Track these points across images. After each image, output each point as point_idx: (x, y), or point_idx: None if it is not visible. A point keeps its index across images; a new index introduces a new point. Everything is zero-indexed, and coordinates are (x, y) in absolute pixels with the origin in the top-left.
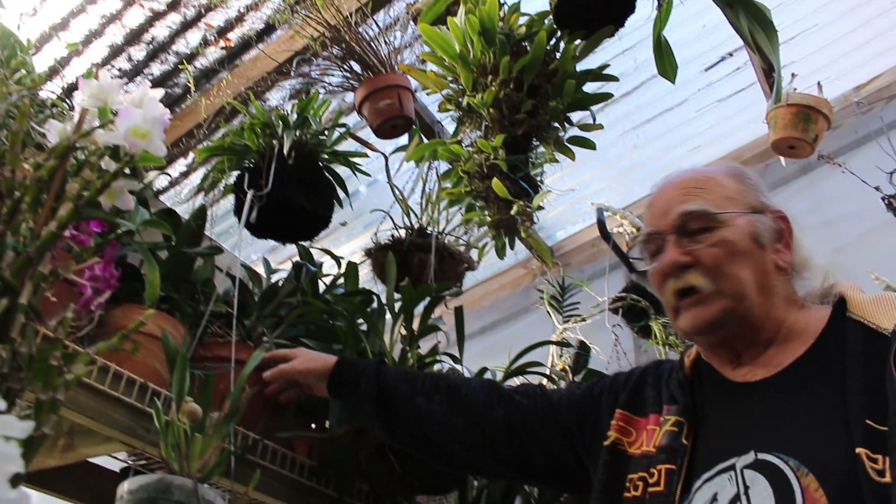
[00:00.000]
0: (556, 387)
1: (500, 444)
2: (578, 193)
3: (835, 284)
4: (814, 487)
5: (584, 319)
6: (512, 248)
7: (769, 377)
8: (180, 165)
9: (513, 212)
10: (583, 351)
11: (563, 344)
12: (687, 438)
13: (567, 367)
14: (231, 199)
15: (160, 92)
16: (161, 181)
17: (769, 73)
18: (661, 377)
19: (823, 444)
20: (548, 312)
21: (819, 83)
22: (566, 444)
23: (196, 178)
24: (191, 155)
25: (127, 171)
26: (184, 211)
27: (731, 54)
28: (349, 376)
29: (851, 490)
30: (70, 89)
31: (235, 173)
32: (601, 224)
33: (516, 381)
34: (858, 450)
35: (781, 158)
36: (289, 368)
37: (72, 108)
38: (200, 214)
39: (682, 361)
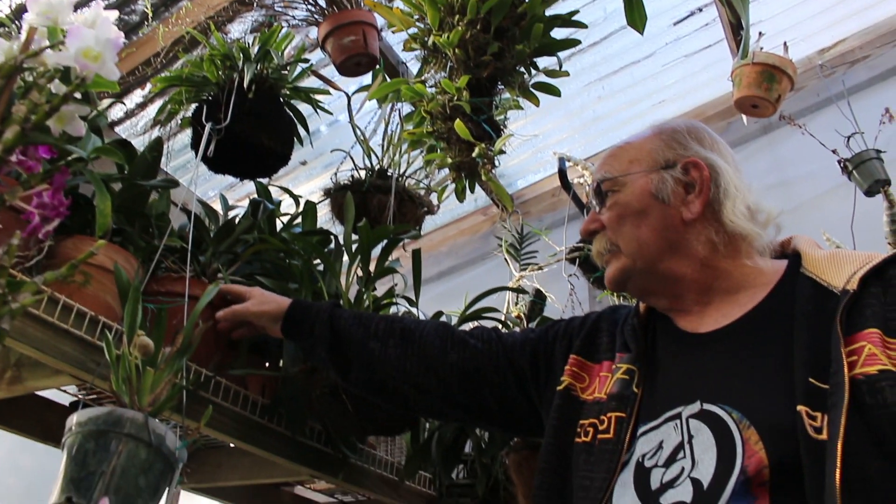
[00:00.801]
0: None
1: (454, 388)
2: (541, 142)
3: (793, 238)
4: (754, 440)
5: (540, 268)
6: (472, 191)
7: (719, 329)
8: (136, 97)
9: (474, 154)
10: (538, 299)
11: (519, 290)
12: (638, 387)
13: (522, 315)
14: (188, 133)
15: (114, 14)
16: (116, 112)
17: (737, 29)
18: (617, 323)
19: (766, 399)
20: (505, 260)
21: (785, 43)
22: (519, 388)
23: (153, 110)
24: (147, 86)
25: (78, 95)
26: (140, 144)
27: (700, 9)
28: (303, 320)
29: (790, 445)
30: (19, 11)
31: (193, 106)
32: (562, 174)
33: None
34: (799, 407)
35: (743, 117)
36: (242, 309)
37: (20, 30)
38: (156, 146)
39: (638, 308)
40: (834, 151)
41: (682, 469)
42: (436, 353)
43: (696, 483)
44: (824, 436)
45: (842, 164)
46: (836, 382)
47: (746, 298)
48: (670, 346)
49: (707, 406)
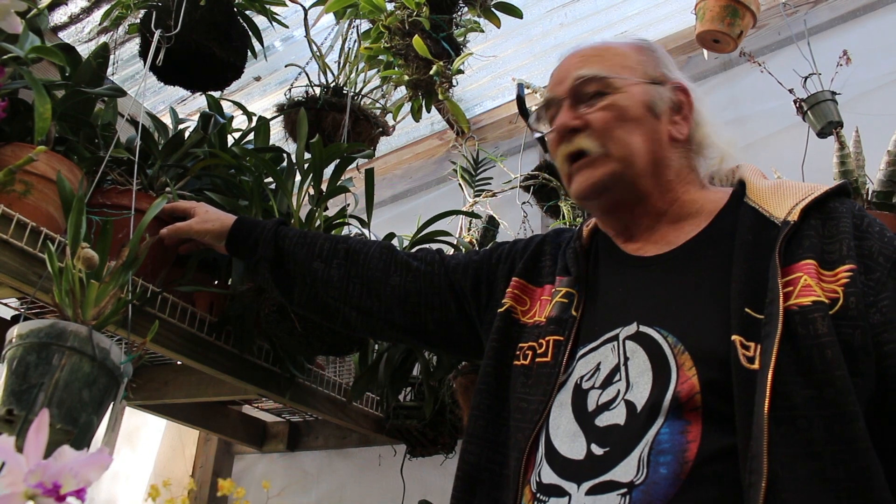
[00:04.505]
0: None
1: (395, 310)
2: (500, 68)
3: (739, 167)
4: (688, 366)
5: (494, 194)
6: (428, 111)
7: (661, 254)
8: (82, 0)
9: (432, 72)
10: (491, 226)
11: (472, 215)
12: (577, 310)
13: (474, 241)
14: (137, 42)
15: None
16: (59, 16)
17: None
18: (560, 247)
19: (702, 326)
20: (460, 185)
21: None
22: (459, 310)
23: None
24: None
25: None
26: (85, 51)
27: None
28: (247, 238)
29: (722, 373)
30: None
31: (142, 12)
32: (520, 100)
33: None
34: (734, 337)
35: (704, 51)
36: (185, 227)
37: None
38: (102, 53)
39: (581, 231)
40: (791, 91)
41: (618, 392)
42: (378, 276)
43: (629, 405)
44: (756, 365)
45: (797, 104)
46: (771, 313)
47: (689, 226)
48: (612, 269)
49: (643, 328)
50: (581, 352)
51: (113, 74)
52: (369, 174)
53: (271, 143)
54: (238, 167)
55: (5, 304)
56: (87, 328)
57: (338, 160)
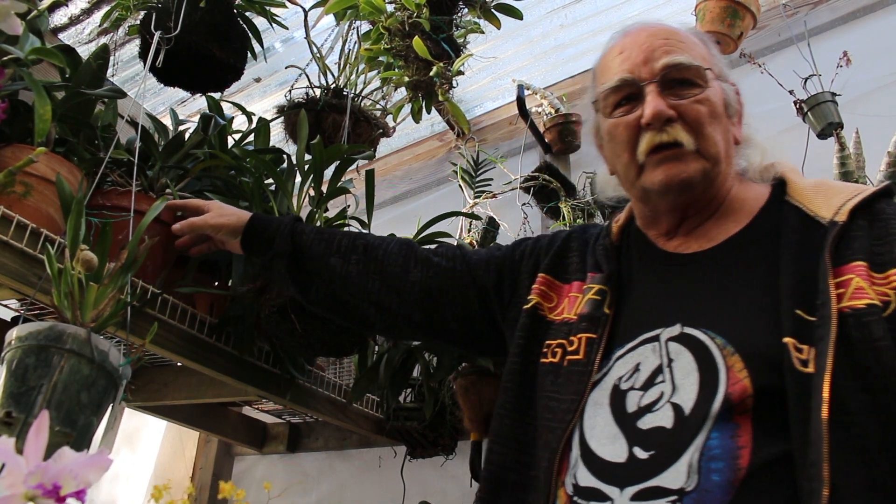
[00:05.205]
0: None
1: (415, 307)
2: (500, 69)
3: (775, 164)
4: (738, 368)
5: (494, 196)
6: (428, 112)
7: (702, 251)
8: (82, 1)
9: (432, 73)
10: (491, 227)
11: (472, 216)
12: (609, 307)
13: (475, 242)
14: (137, 43)
15: None
16: (60, 17)
17: None
18: (588, 243)
19: (751, 328)
20: (460, 186)
21: None
22: (482, 307)
23: (99, 17)
24: None
25: None
26: (85, 52)
27: None
28: (263, 234)
29: (774, 376)
30: None
31: (142, 14)
32: (520, 101)
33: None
34: (786, 339)
35: None
36: (200, 221)
37: None
38: (102, 54)
39: (610, 228)
40: (791, 92)
41: (662, 393)
42: (397, 272)
43: (676, 408)
44: (811, 369)
45: (797, 105)
46: (824, 315)
47: (731, 223)
48: (648, 266)
49: (688, 330)
50: (618, 352)
51: (113, 76)
52: (369, 175)
53: (271, 144)
54: (238, 168)
55: (5, 306)
56: (86, 330)
57: (338, 161)
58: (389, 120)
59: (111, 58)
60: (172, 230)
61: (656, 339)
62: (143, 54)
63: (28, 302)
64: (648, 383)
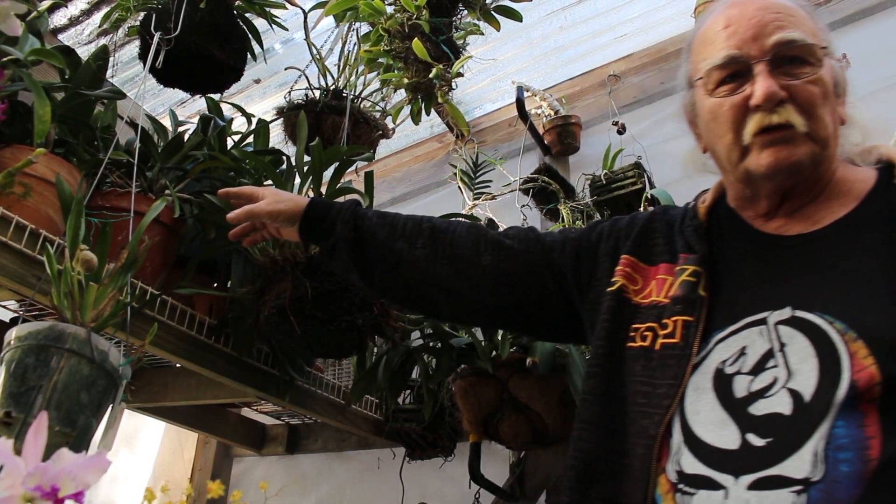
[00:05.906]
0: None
1: (486, 291)
2: (499, 70)
3: (878, 146)
4: (862, 354)
5: (493, 197)
6: (427, 113)
7: (807, 233)
8: (81, 2)
9: (431, 75)
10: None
11: (471, 218)
12: (705, 289)
13: None
14: (137, 45)
15: None
16: (59, 18)
17: None
18: (672, 225)
19: (874, 311)
20: (459, 188)
21: None
22: (558, 290)
23: (99, 17)
24: None
25: None
26: (85, 54)
27: None
28: (324, 220)
29: None
30: None
31: (142, 14)
32: (520, 103)
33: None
34: None
35: None
36: (257, 209)
37: None
38: (101, 55)
39: (696, 208)
40: None
41: (776, 378)
42: (467, 255)
43: (795, 395)
44: None
45: None
46: None
47: (837, 205)
48: (745, 247)
49: (800, 313)
50: (718, 335)
51: (112, 77)
52: (369, 177)
53: (271, 145)
54: (238, 170)
55: (4, 307)
56: (86, 330)
57: (337, 163)
58: (389, 121)
59: (111, 59)
60: (227, 219)
61: (763, 322)
62: (142, 55)
63: (27, 303)
64: (758, 367)
